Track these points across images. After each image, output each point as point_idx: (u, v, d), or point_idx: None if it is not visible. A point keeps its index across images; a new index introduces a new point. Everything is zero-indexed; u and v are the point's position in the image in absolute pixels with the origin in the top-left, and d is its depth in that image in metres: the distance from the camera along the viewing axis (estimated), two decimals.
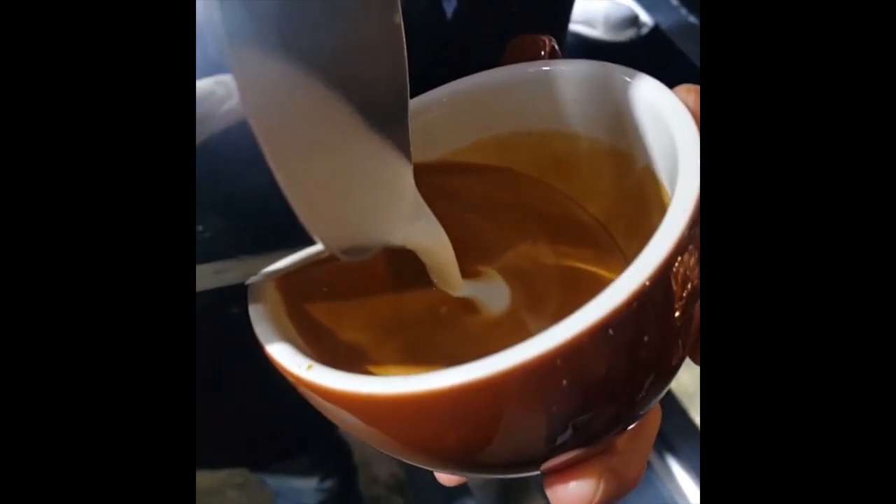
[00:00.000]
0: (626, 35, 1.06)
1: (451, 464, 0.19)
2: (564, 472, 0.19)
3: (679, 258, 0.16)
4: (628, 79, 0.21)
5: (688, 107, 0.19)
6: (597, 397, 0.17)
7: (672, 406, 0.75)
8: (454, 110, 0.24)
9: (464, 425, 0.17)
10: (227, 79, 0.14)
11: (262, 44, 0.18)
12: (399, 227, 0.21)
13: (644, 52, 1.02)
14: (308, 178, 0.18)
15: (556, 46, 0.24)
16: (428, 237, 0.22)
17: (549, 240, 0.25)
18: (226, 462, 0.58)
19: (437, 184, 0.23)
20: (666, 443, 0.73)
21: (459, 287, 0.23)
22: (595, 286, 0.18)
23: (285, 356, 0.18)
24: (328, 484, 0.65)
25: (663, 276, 0.16)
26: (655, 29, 1.06)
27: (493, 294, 0.23)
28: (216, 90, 0.14)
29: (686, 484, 0.72)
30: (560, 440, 0.18)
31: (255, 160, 0.14)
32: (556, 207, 0.25)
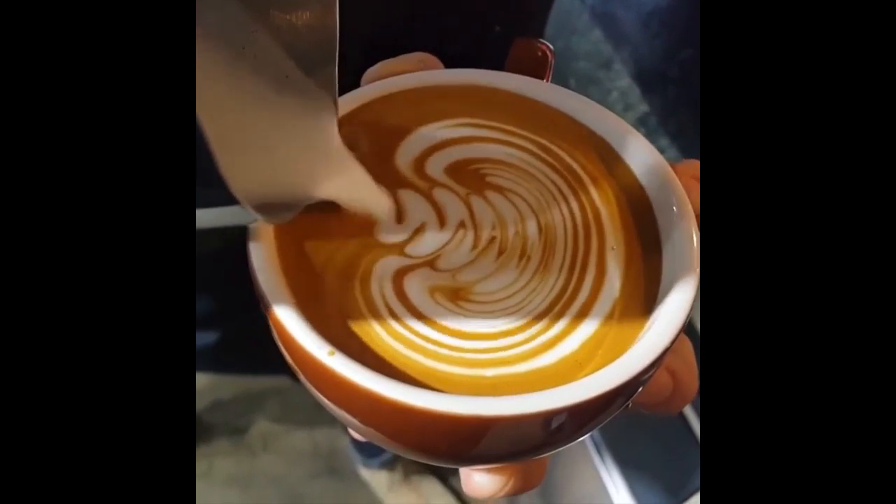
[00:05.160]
0: None
1: (433, 459, 0.21)
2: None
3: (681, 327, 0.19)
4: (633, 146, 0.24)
5: (688, 190, 0.22)
6: (566, 434, 0.19)
7: None
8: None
9: (467, 441, 0.18)
10: None
11: None
12: (323, 179, 0.20)
13: None
14: (234, 130, 0.18)
15: (552, 54, 0.26)
16: (353, 189, 0.21)
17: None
18: (272, 369, 0.63)
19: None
20: None
21: (386, 209, 0.22)
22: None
23: (307, 339, 0.18)
24: None
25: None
26: None
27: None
28: None
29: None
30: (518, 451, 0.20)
31: None
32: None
